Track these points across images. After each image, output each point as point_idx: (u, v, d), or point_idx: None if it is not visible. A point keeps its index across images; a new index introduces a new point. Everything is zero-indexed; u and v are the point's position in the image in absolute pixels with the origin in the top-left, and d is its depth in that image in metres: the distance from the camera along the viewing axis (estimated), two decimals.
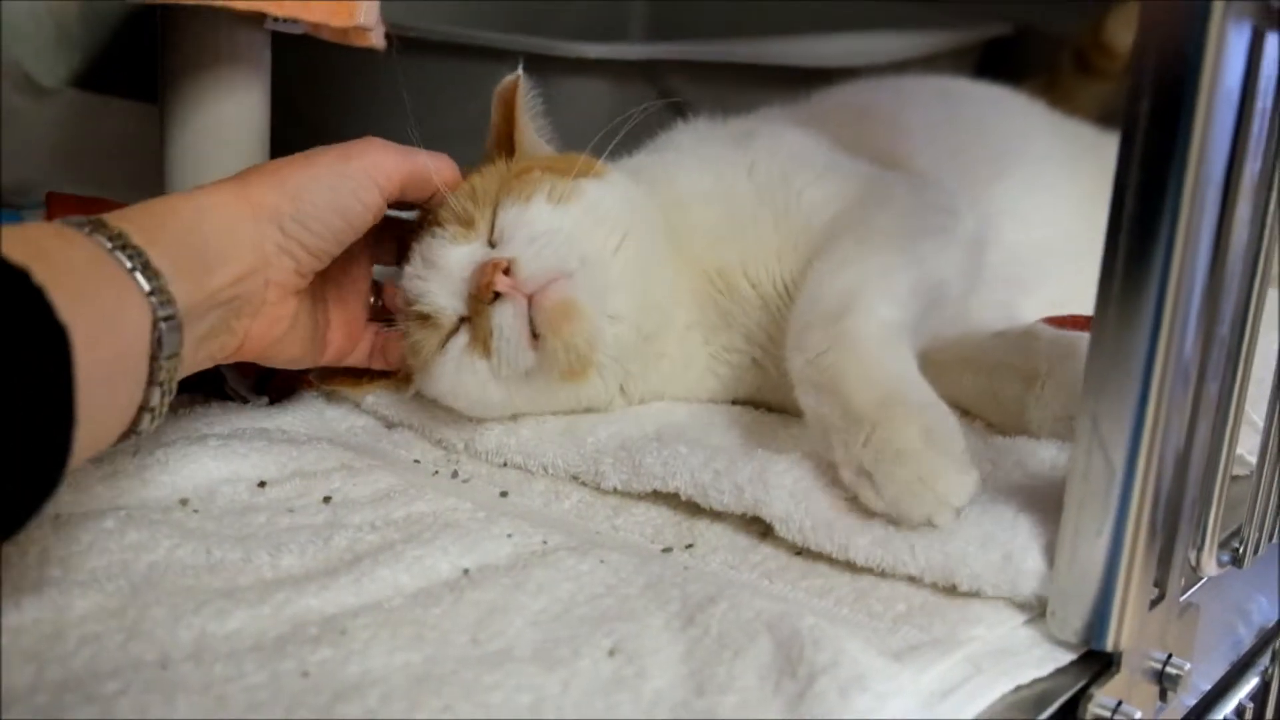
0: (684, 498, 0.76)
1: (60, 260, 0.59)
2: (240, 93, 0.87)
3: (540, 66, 1.19)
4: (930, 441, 0.68)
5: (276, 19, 0.84)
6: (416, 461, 0.83)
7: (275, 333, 0.76)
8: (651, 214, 0.87)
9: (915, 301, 0.78)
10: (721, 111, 1.01)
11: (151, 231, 0.65)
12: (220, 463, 0.77)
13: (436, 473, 0.82)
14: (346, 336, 0.84)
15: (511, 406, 0.83)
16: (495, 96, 0.88)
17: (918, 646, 0.63)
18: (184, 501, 0.73)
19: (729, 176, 0.90)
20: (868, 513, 0.70)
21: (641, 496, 0.78)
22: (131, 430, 0.64)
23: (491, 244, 0.81)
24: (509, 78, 0.88)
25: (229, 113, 0.87)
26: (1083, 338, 0.79)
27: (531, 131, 0.89)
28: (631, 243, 0.83)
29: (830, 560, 0.71)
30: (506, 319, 0.77)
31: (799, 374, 0.76)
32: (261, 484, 0.76)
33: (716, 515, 0.76)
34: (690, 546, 0.74)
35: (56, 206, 0.94)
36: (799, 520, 0.71)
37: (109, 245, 0.62)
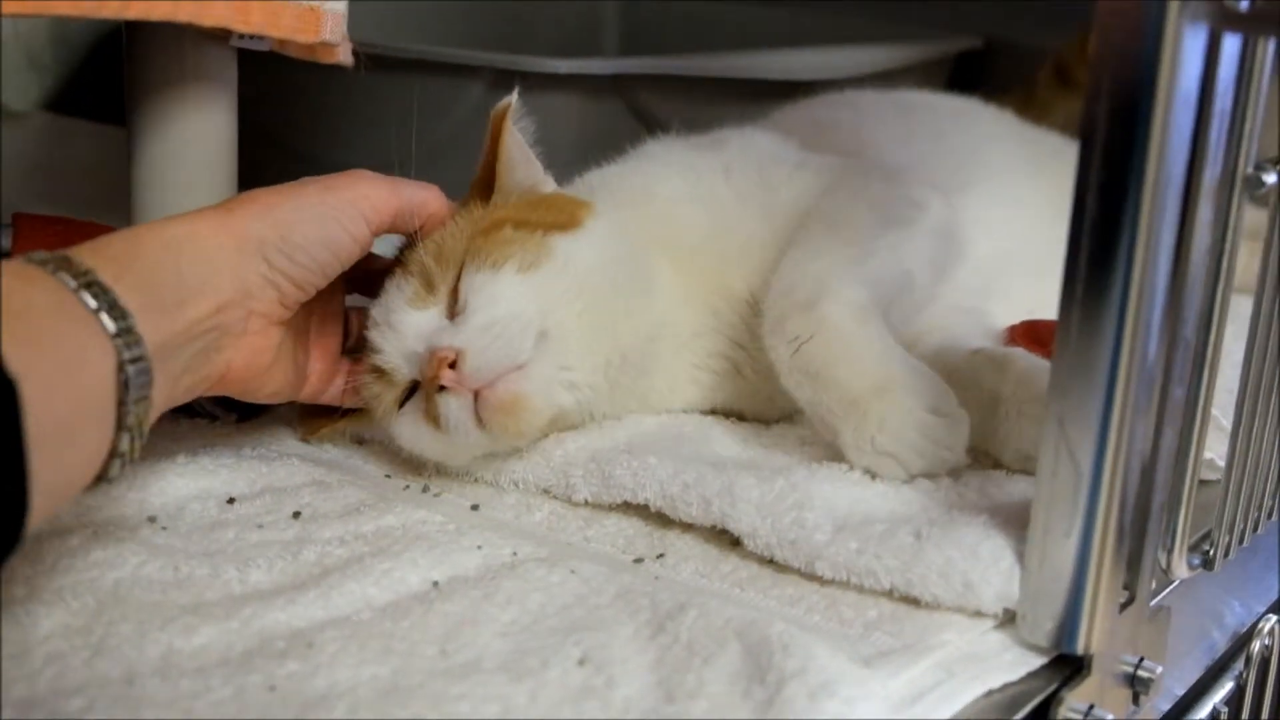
0: (653, 509, 0.76)
1: (16, 304, 0.56)
2: (207, 110, 0.86)
3: (510, 82, 1.20)
4: (935, 409, 0.76)
5: (242, 35, 0.83)
6: (388, 476, 0.83)
7: (259, 364, 0.74)
8: (634, 247, 0.85)
9: (884, 288, 0.82)
10: (693, 126, 1.01)
11: (122, 264, 0.63)
12: (189, 479, 0.77)
13: (407, 487, 0.81)
14: (324, 371, 0.81)
15: (476, 454, 0.81)
16: (489, 123, 0.84)
17: (888, 652, 0.63)
18: (152, 519, 0.73)
19: (707, 180, 0.91)
20: (830, 532, 0.70)
21: (613, 508, 0.78)
22: (101, 477, 0.61)
23: (451, 313, 0.78)
24: (502, 101, 0.83)
25: (196, 130, 0.86)
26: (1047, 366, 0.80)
27: (518, 167, 0.84)
28: (604, 299, 0.81)
29: (800, 569, 0.71)
30: (450, 409, 0.75)
31: (785, 363, 0.79)
32: (230, 500, 0.76)
33: (688, 525, 0.76)
34: (661, 556, 0.73)
35: (23, 227, 0.94)
36: (765, 536, 0.71)
37: (73, 284, 0.59)
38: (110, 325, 0.60)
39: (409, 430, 0.79)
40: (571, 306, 0.79)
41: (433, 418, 0.77)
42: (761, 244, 0.87)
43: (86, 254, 0.62)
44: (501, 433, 0.77)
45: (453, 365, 0.75)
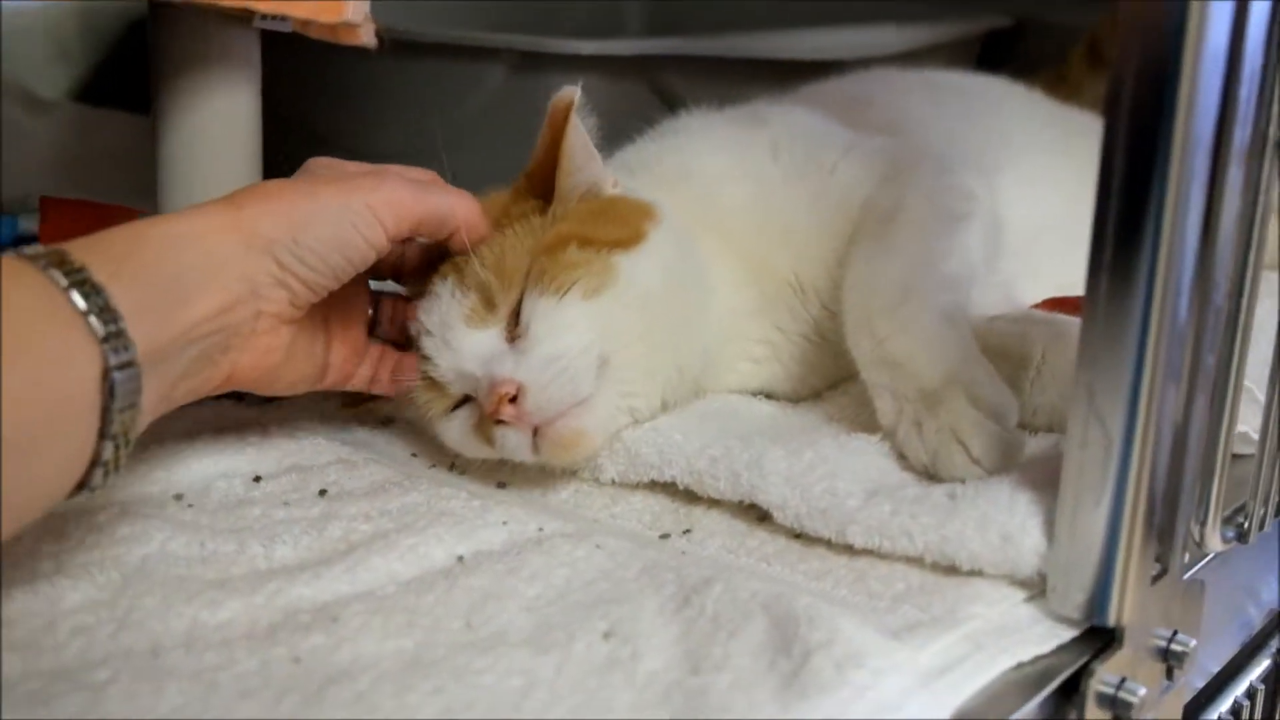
0: (680, 486, 0.75)
1: None
2: (231, 92, 0.87)
3: (534, 64, 1.20)
4: (997, 417, 0.72)
5: (264, 16, 0.83)
6: (414, 455, 0.83)
7: (267, 364, 0.71)
8: (693, 248, 0.83)
9: (961, 286, 0.81)
10: (720, 107, 1.00)
11: (119, 262, 0.60)
12: (215, 458, 0.77)
13: (433, 466, 0.81)
14: (348, 358, 0.78)
15: None
16: (547, 115, 0.79)
17: (916, 625, 0.63)
18: (178, 497, 0.73)
19: (752, 158, 0.89)
20: (862, 498, 0.70)
21: (639, 485, 0.78)
22: (82, 486, 0.58)
23: (511, 336, 0.75)
24: (562, 93, 0.78)
25: (220, 112, 0.87)
26: (1077, 323, 0.80)
27: (581, 167, 0.80)
28: (666, 319, 0.79)
29: (829, 543, 0.70)
30: (508, 440, 0.74)
31: (868, 357, 0.78)
32: (257, 479, 0.76)
33: (714, 501, 0.75)
34: (688, 532, 0.73)
35: (50, 211, 0.94)
36: (795, 507, 0.71)
37: (64, 282, 0.56)
38: (99, 328, 0.57)
39: (457, 436, 0.78)
40: (634, 331, 0.77)
41: (486, 437, 0.75)
42: (808, 227, 0.86)
43: (83, 250, 0.59)
44: (558, 463, 0.77)
45: (513, 399, 0.73)
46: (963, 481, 0.71)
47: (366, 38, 0.88)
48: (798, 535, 0.72)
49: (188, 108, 0.86)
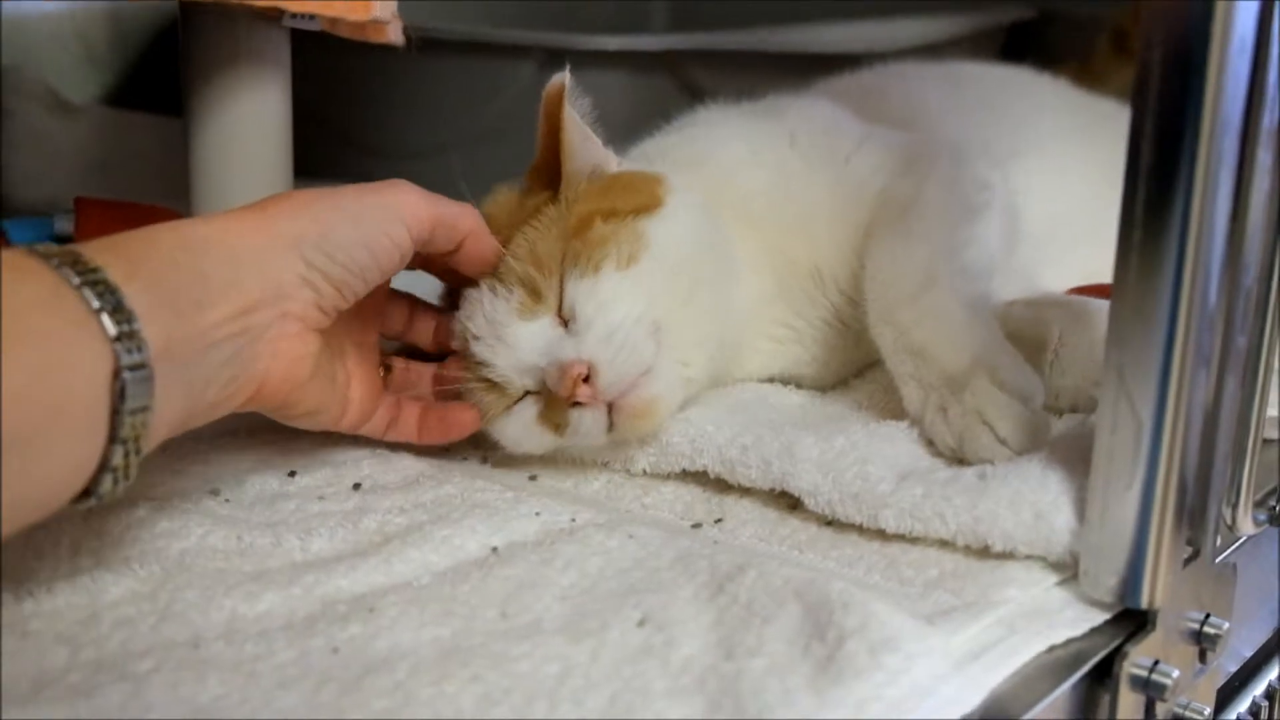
0: (712, 475, 0.76)
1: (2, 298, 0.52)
2: (261, 92, 0.88)
3: (561, 61, 1.20)
4: (1023, 398, 0.73)
5: (293, 15, 0.84)
6: (445, 449, 0.83)
7: (298, 375, 0.70)
8: (713, 218, 0.84)
9: (982, 276, 0.82)
10: (744, 101, 1.01)
11: (137, 263, 0.59)
12: (250, 453, 0.78)
13: (465, 459, 0.82)
14: (366, 399, 0.77)
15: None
16: (541, 106, 0.80)
17: (949, 610, 0.63)
18: (214, 491, 0.74)
19: (770, 146, 0.90)
20: (894, 482, 0.70)
21: (670, 476, 0.78)
22: (88, 492, 0.56)
23: (563, 319, 0.76)
24: (553, 82, 0.79)
25: (251, 113, 0.88)
26: (1094, 302, 0.80)
27: (581, 149, 0.81)
28: (702, 277, 0.80)
29: (860, 530, 0.71)
30: (585, 422, 0.75)
31: (890, 345, 0.79)
32: (291, 473, 0.77)
33: (745, 491, 0.76)
34: (719, 521, 0.74)
35: (85, 211, 0.95)
36: (827, 492, 0.71)
37: (76, 281, 0.55)
38: (111, 328, 0.55)
39: (516, 432, 0.78)
40: (675, 294, 0.78)
41: (554, 424, 0.76)
42: (827, 214, 0.87)
43: (99, 250, 0.58)
44: (632, 434, 0.77)
45: (585, 379, 0.74)
46: (992, 463, 0.72)
47: (394, 36, 0.89)
48: (829, 523, 0.72)
49: (219, 108, 0.87)
